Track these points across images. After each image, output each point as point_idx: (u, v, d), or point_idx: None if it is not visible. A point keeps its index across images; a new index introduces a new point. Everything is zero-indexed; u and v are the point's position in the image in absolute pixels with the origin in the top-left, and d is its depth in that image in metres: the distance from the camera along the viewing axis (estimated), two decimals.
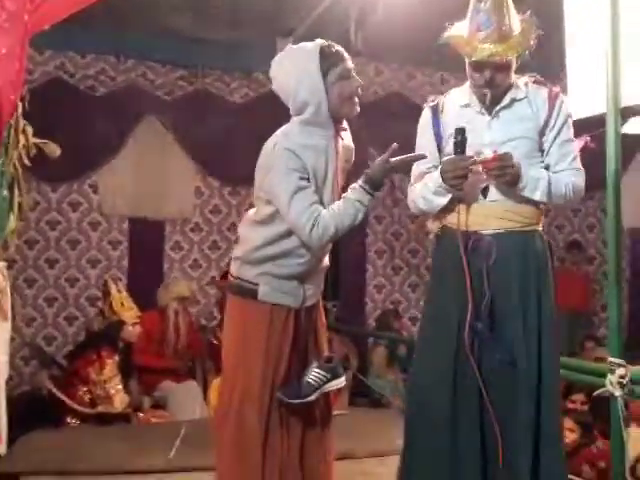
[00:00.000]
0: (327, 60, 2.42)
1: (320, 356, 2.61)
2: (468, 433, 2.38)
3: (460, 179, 2.34)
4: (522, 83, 2.49)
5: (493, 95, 2.42)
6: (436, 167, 2.50)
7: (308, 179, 2.42)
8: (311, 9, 5.65)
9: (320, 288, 2.67)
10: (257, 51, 6.13)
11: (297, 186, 2.38)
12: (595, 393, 2.87)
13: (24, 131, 3.10)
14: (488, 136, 2.43)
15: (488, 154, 2.38)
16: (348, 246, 6.52)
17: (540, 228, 2.54)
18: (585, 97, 3.09)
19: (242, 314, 2.55)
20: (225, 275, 5.72)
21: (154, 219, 6.25)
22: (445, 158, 2.40)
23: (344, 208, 2.39)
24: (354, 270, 6.68)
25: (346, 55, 2.49)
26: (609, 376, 2.76)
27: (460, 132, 2.33)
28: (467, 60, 2.42)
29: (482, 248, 2.41)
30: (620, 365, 2.75)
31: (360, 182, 2.42)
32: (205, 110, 6.27)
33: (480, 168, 2.37)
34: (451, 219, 2.50)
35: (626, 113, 2.84)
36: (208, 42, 6.04)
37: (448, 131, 2.49)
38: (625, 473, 2.73)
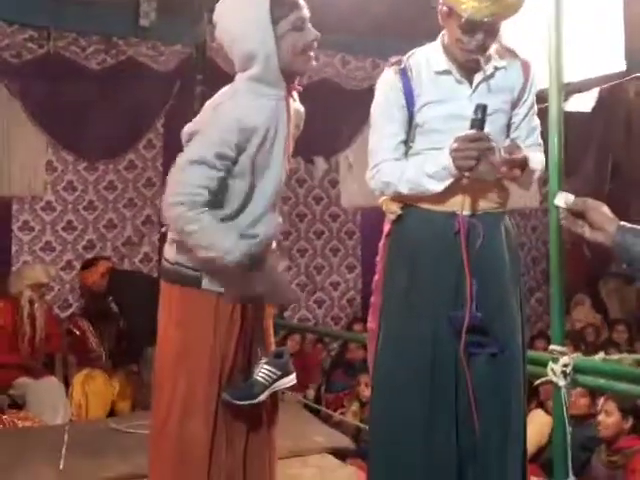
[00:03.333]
0: (279, 7, 2.09)
1: (268, 350, 2.29)
2: (444, 435, 2.14)
3: (472, 160, 2.05)
4: (495, 51, 2.23)
5: (477, 62, 2.18)
6: (405, 142, 2.24)
7: (232, 163, 2.10)
8: None
9: None
10: (117, 12, 5.67)
11: (207, 159, 2.06)
12: (536, 383, 2.77)
13: None
14: (470, 108, 2.14)
15: (467, 128, 2.08)
16: None
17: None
18: None
19: (182, 306, 2.19)
20: (88, 264, 5.30)
21: None
22: (462, 134, 2.07)
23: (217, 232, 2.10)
24: None
25: (302, 2, 2.15)
26: (551, 365, 2.67)
27: (481, 109, 2.05)
28: (456, 22, 2.10)
29: (467, 231, 2.16)
30: (563, 353, 2.66)
31: None
32: (58, 77, 5.67)
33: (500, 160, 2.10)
34: (421, 198, 2.21)
35: (569, 90, 2.73)
36: (61, 0, 5.46)
37: (421, 99, 2.21)
38: (569, 463, 2.65)
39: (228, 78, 6.07)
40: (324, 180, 6.64)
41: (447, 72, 2.21)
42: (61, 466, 3.24)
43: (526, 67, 2.26)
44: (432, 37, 2.28)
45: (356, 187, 6.26)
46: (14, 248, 5.62)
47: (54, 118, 5.67)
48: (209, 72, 6.09)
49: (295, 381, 2.30)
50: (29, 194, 5.71)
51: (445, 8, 2.13)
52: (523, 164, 2.13)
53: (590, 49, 3.19)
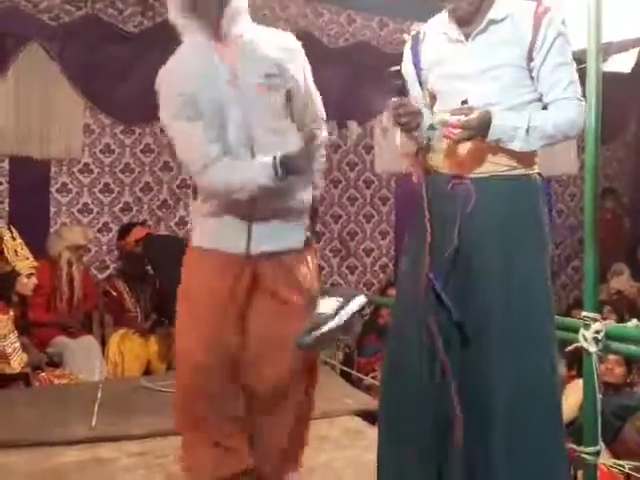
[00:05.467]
0: None
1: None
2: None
3: (409, 125, 2.14)
4: (501, 1, 2.16)
5: (467, 13, 2.14)
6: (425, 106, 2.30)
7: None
8: None
9: (291, 231, 2.31)
10: None
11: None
12: (568, 349, 2.74)
13: None
14: (466, 66, 2.13)
15: (466, 88, 2.12)
16: None
17: (534, 171, 2.22)
18: None
19: (185, 266, 2.22)
20: (124, 232, 5.36)
21: (38, 159, 5.60)
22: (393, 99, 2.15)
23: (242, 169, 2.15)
24: None
25: None
26: (582, 331, 2.64)
27: (392, 75, 2.20)
28: None
29: (459, 193, 2.15)
30: (595, 320, 2.63)
31: (278, 157, 2.15)
32: (95, 39, 5.68)
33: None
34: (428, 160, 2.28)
35: (608, 50, 2.66)
36: None
37: (428, 62, 2.27)
38: (598, 431, 2.63)
39: None
40: (358, 146, 6.57)
41: (445, 32, 2.22)
42: (93, 422, 3.31)
43: (538, 13, 2.12)
44: None
45: (390, 153, 6.19)
46: (52, 210, 5.67)
47: (92, 81, 5.67)
48: None
49: (366, 300, 2.29)
50: (67, 156, 5.74)
51: None
52: (463, 127, 2.04)
53: (631, 7, 3.08)
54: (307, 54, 6.54)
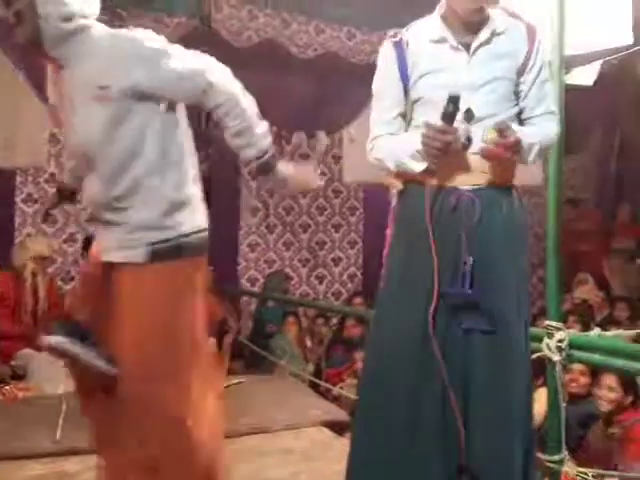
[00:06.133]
0: None
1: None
2: (429, 413, 2.11)
3: (439, 151, 2.01)
4: (497, 15, 2.18)
5: (470, 22, 2.13)
6: (402, 115, 2.21)
7: None
8: None
9: (113, 242, 2.22)
10: None
11: None
12: (532, 357, 2.76)
13: None
14: (466, 76, 2.12)
15: (466, 97, 2.04)
16: (219, 203, 6.18)
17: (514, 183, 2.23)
18: None
19: None
20: (88, 243, 5.28)
21: (3, 168, 5.55)
22: (430, 122, 2.01)
23: None
24: (226, 228, 6.30)
25: None
26: (546, 340, 2.67)
27: (453, 100, 1.98)
28: None
29: (464, 206, 2.11)
30: (559, 329, 2.66)
31: None
32: None
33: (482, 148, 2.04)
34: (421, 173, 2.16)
35: (571, 63, 2.69)
36: None
37: (417, 71, 2.17)
38: (562, 439, 2.65)
39: (232, 50, 6.02)
40: (327, 155, 6.62)
41: (443, 40, 2.16)
42: (57, 436, 3.26)
43: (531, 32, 2.17)
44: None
45: (358, 163, 6.22)
46: (17, 220, 5.62)
47: None
48: (213, 45, 6.06)
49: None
50: (32, 166, 5.69)
51: None
52: (515, 146, 2.04)
53: (595, 21, 3.12)
54: (276, 64, 6.59)
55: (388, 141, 2.21)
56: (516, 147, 2.04)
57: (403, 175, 2.21)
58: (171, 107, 2.17)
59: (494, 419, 2.10)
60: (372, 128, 2.27)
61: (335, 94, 5.93)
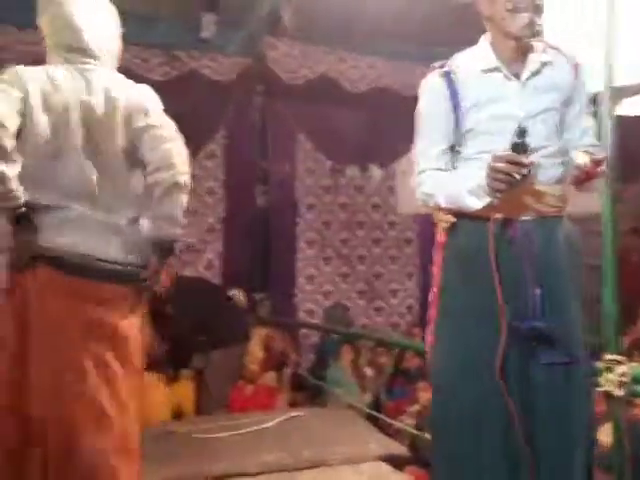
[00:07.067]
0: None
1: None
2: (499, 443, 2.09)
3: (503, 183, 1.95)
4: (542, 47, 2.18)
5: (521, 47, 2.13)
6: (450, 148, 2.19)
7: None
8: None
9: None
10: (179, 25, 5.82)
11: None
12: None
13: None
14: (519, 107, 2.10)
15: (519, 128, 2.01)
16: (278, 235, 6.27)
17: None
18: None
19: None
20: None
21: None
22: (498, 154, 1.95)
23: None
24: (284, 260, 6.39)
25: None
26: (606, 374, 2.61)
27: (522, 132, 1.94)
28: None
29: (524, 237, 2.09)
30: (620, 362, 2.60)
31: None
32: None
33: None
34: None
35: (621, 94, 2.67)
36: (126, 14, 5.60)
37: (468, 102, 2.14)
38: (624, 476, 2.59)
39: (287, 87, 6.13)
40: (382, 187, 6.66)
41: (495, 69, 2.13)
42: None
43: (575, 64, 2.19)
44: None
45: (413, 194, 6.23)
46: None
47: None
48: (268, 82, 6.21)
49: None
50: None
51: None
52: (603, 162, 2.09)
53: None
54: (329, 99, 6.66)
55: (438, 176, 2.18)
56: (604, 163, 2.07)
57: (456, 210, 2.19)
58: None
59: (561, 451, 2.08)
60: (418, 161, 2.23)
61: (388, 127, 5.97)
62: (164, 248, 2.34)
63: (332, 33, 6.03)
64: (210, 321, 4.70)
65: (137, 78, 5.92)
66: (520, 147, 1.94)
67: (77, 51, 2.33)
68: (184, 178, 2.29)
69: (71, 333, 2.20)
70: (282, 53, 6.25)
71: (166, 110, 5.80)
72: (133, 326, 2.32)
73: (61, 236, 2.22)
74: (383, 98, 6.31)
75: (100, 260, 2.24)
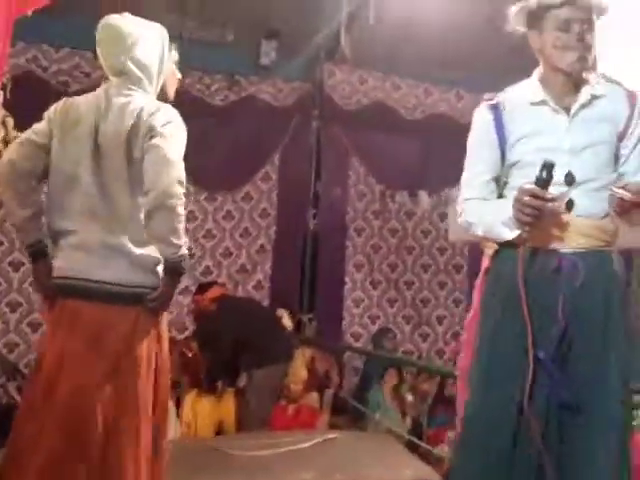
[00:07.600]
0: None
1: None
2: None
3: (527, 217, 1.99)
4: (595, 79, 2.18)
5: (572, 81, 2.14)
6: (495, 179, 2.23)
7: None
8: (297, 10, 5.49)
9: None
10: (239, 52, 6.00)
11: None
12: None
13: (4, 123, 2.85)
14: (568, 140, 2.12)
15: (566, 160, 2.07)
16: (327, 258, 6.35)
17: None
18: None
19: None
20: (202, 289, 5.52)
21: None
22: (523, 186, 2.01)
23: None
24: (332, 283, 6.46)
25: None
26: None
27: (548, 167, 1.98)
28: (549, 26, 2.11)
29: (567, 269, 2.08)
30: None
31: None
32: (184, 112, 5.99)
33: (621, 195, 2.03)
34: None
35: None
36: (188, 41, 5.81)
37: (515, 134, 2.17)
38: None
39: (343, 113, 6.29)
40: (433, 214, 6.70)
41: (543, 102, 2.17)
42: None
43: (631, 96, 2.17)
44: None
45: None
46: None
47: None
48: (325, 108, 6.33)
49: None
50: None
51: (535, 31, 2.16)
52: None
53: None
54: (384, 125, 6.74)
55: (479, 205, 2.22)
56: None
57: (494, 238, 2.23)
58: None
59: None
60: (463, 190, 2.28)
61: (441, 154, 6.02)
62: (169, 268, 2.33)
63: (388, 60, 6.13)
64: (255, 340, 4.80)
65: (197, 102, 6.19)
66: (542, 181, 1.98)
67: (117, 74, 2.44)
68: (171, 201, 2.23)
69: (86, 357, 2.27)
70: (340, 79, 6.39)
71: (225, 133, 6.01)
72: (143, 346, 2.30)
73: (65, 261, 2.33)
74: (438, 125, 6.38)
75: (100, 282, 2.29)
